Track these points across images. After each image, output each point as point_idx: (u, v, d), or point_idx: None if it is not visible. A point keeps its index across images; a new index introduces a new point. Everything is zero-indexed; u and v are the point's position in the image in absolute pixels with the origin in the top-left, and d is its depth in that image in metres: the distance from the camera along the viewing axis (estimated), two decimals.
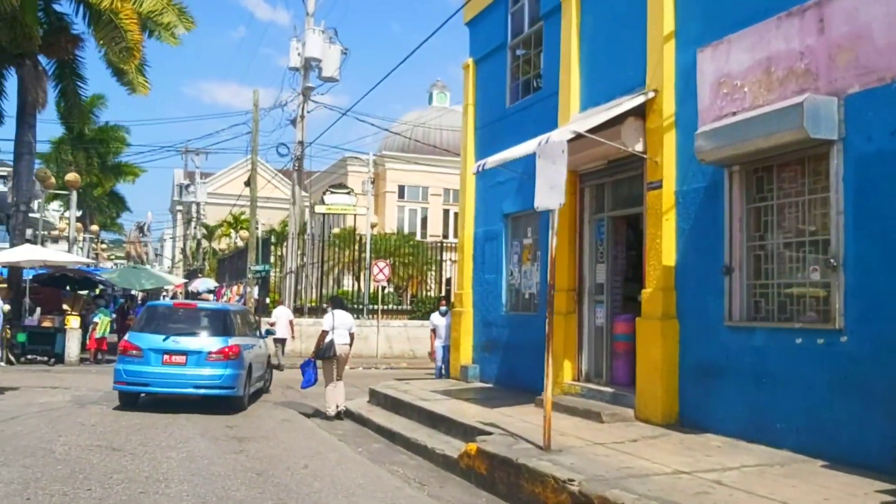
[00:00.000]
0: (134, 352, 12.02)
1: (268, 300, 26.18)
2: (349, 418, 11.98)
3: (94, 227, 49.94)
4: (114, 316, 24.56)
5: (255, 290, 27.35)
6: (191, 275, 45.32)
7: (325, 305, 23.40)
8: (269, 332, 17.25)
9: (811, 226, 7.57)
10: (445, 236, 36.16)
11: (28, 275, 22.70)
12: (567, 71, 11.25)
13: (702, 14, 8.89)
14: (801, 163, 7.67)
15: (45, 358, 19.91)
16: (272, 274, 28.01)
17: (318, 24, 26.39)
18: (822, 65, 7.31)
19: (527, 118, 12.36)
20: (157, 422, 10.77)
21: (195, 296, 31.76)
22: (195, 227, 53.37)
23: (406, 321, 25.59)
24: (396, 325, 25.14)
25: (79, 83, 23.84)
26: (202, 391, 11.99)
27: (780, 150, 7.61)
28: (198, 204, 52.76)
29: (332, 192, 26.91)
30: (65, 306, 21.64)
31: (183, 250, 59.07)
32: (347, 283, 29.95)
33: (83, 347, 20.68)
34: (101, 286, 27.19)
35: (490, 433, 8.41)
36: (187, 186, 55.32)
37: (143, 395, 12.51)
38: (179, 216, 61.61)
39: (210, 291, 32.37)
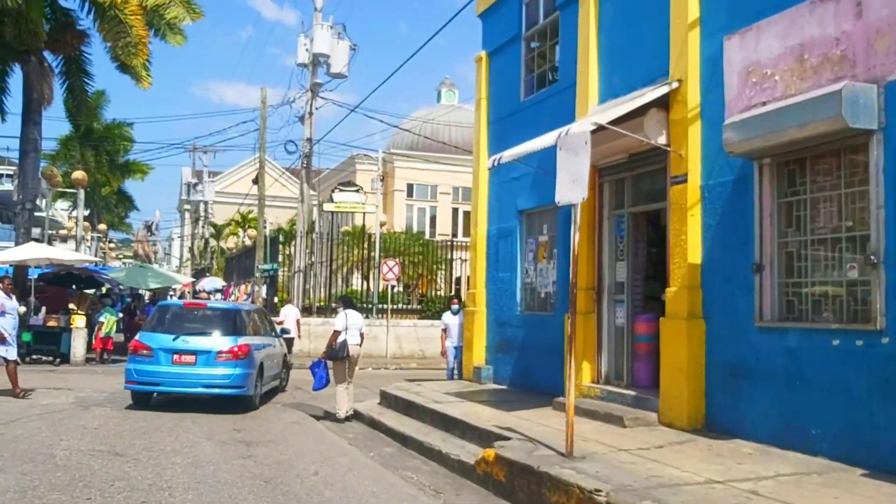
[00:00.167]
0: (144, 351, 12.04)
1: (276, 299, 25.90)
2: (359, 420, 11.64)
3: (102, 227, 49.82)
4: (120, 315, 24.29)
5: (264, 289, 27.10)
6: (198, 274, 45.15)
7: (333, 305, 23.11)
8: (283, 332, 16.99)
9: (848, 221, 7.18)
10: (454, 235, 35.76)
11: (33, 273, 22.45)
12: (585, 62, 10.87)
13: (728, 0, 8.51)
14: (836, 154, 7.28)
15: (51, 358, 19.59)
16: (280, 273, 27.74)
17: (325, 19, 26.05)
18: (860, 51, 6.91)
19: (542, 112, 11.97)
20: (163, 424, 10.45)
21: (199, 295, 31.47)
22: (203, 226, 53.21)
23: (416, 321, 25.23)
24: (406, 325, 24.80)
25: (85, 79, 23.58)
26: (212, 391, 11.97)
27: (815, 142, 7.22)
28: (206, 203, 52.66)
29: (341, 190, 26.58)
30: (71, 305, 21.33)
31: (191, 249, 58.93)
32: (356, 282, 29.63)
33: (89, 347, 20.39)
34: (107, 285, 26.91)
35: (508, 438, 8.04)
36: (195, 185, 55.19)
37: (155, 394, 12.47)
38: (187, 215, 61.44)
39: (217, 291, 32.09)
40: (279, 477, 7.54)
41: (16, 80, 22.83)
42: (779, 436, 7.50)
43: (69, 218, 46.87)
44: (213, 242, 51.50)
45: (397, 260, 25.19)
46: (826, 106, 6.81)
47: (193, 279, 39.54)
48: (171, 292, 38.54)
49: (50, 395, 13.20)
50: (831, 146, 7.22)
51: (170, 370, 11.86)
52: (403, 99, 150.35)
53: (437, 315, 23.86)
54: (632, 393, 9.55)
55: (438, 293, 28.31)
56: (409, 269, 28.25)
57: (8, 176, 41.44)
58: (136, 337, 12.81)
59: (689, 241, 8.67)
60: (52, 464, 7.72)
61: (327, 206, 27.11)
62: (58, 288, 23.28)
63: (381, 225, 28.18)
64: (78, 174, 32.81)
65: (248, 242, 38.54)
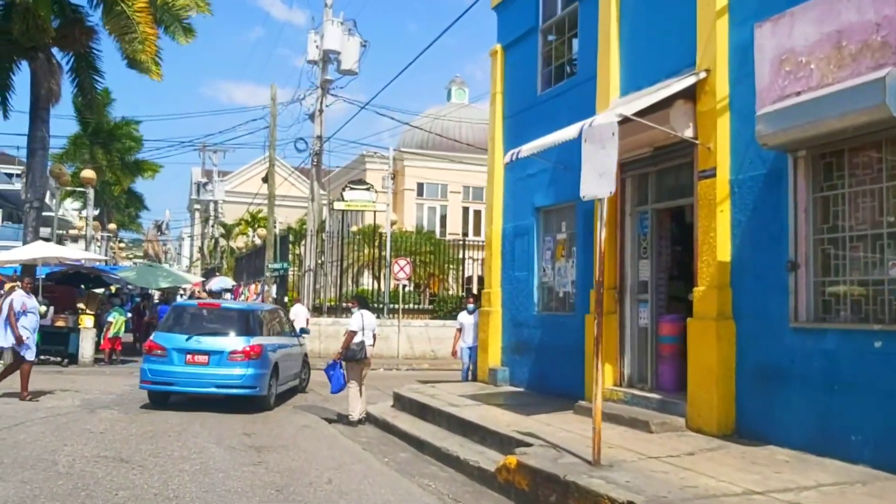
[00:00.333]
0: (158, 351, 12.10)
1: (286, 299, 25.62)
2: (373, 424, 11.31)
3: (112, 226, 49.69)
4: (129, 315, 24.03)
5: (273, 288, 26.82)
6: (208, 273, 44.95)
7: (345, 304, 22.82)
8: (303, 332, 16.75)
9: (890, 216, 6.80)
10: (465, 234, 35.39)
11: (42, 273, 22.19)
12: (606, 53, 10.49)
13: None
14: (877, 146, 6.90)
15: (59, 358, 19.33)
16: (290, 272, 27.46)
17: (336, 15, 25.73)
18: None
19: (560, 105, 11.60)
20: (170, 428, 10.13)
21: (209, 294, 31.22)
22: (213, 226, 53.06)
23: (427, 321, 24.87)
24: (417, 325, 24.44)
25: (95, 76, 23.29)
26: (224, 391, 11.95)
27: (855, 133, 6.82)
28: (215, 202, 52.53)
29: (352, 189, 26.23)
30: (79, 305, 21.07)
31: (201, 249, 58.79)
32: (366, 281, 29.32)
33: (97, 347, 20.13)
34: (117, 285, 26.67)
35: (530, 444, 7.69)
36: (205, 185, 55.10)
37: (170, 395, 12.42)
38: (197, 214, 61.33)
39: (226, 290, 31.82)
40: (291, 485, 7.20)
41: (23, 77, 22.55)
42: (815, 442, 7.13)
43: (80, 217, 46.70)
44: (223, 242, 51.33)
45: (409, 259, 24.85)
46: (868, 94, 6.41)
47: (203, 279, 39.30)
48: (182, 292, 38.32)
49: (56, 397, 12.91)
50: (872, 137, 6.84)
51: (183, 370, 11.89)
52: (413, 98, 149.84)
53: (448, 315, 23.54)
54: (657, 396, 9.18)
55: (449, 293, 27.98)
56: (420, 269, 27.93)
57: (17, 175, 41.26)
58: (151, 337, 12.91)
59: (718, 239, 8.29)
60: (54, 471, 7.40)
61: (338, 205, 26.77)
62: (66, 287, 23.04)
63: (392, 224, 27.86)
64: (87, 173, 32.60)
65: (258, 242, 38.31)
